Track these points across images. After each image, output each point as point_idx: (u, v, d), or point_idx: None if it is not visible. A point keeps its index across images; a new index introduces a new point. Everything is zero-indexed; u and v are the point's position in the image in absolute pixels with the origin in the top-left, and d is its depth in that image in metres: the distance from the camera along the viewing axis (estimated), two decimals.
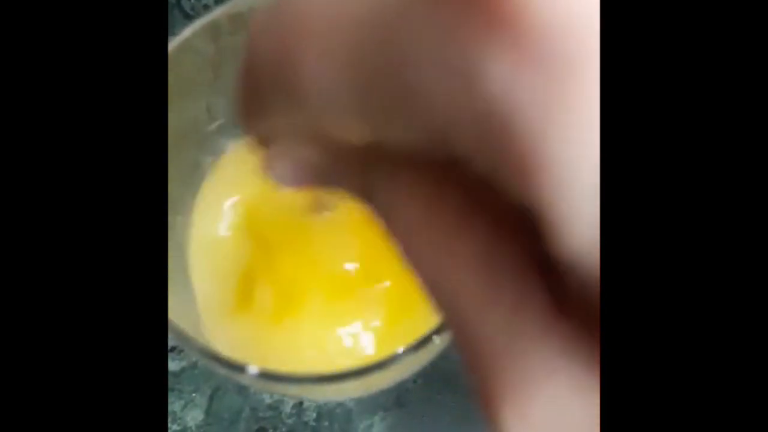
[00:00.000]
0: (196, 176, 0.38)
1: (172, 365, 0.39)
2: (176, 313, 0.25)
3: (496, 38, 0.08)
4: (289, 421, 0.38)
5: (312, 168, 0.12)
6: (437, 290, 0.11)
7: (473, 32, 0.08)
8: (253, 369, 0.21)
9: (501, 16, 0.08)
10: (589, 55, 0.08)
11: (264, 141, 0.13)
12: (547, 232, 0.09)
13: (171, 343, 0.37)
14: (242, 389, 0.39)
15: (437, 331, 0.24)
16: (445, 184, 0.11)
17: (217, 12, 0.34)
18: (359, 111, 0.10)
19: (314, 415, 0.38)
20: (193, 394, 0.39)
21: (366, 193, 0.12)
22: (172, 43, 0.33)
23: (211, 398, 0.39)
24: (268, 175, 0.13)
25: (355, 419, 0.38)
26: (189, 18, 0.41)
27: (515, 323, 0.10)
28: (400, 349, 0.25)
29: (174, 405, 0.39)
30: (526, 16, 0.08)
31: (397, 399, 0.38)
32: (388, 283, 0.33)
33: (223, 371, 0.23)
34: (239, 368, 0.22)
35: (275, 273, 0.34)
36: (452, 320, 0.11)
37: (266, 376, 0.21)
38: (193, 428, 0.39)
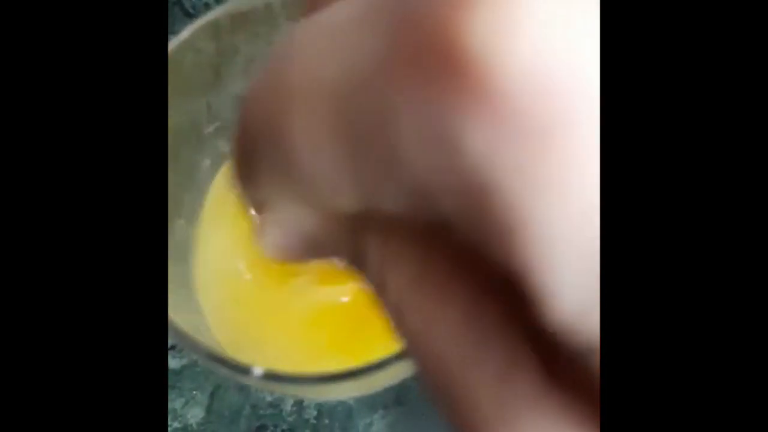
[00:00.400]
0: (195, 178, 0.38)
1: (173, 363, 0.40)
2: (177, 315, 0.25)
3: (474, 107, 0.08)
4: (290, 419, 0.39)
5: (303, 237, 0.12)
6: (425, 358, 0.11)
7: (451, 101, 0.08)
8: (257, 370, 0.21)
9: (479, 85, 0.08)
10: (569, 121, 0.08)
11: (258, 207, 0.13)
12: (534, 300, 0.09)
13: (171, 341, 0.37)
14: (243, 387, 0.39)
15: None
16: (432, 250, 0.11)
17: (218, 11, 0.34)
18: (346, 178, 0.10)
19: (315, 413, 0.39)
20: (194, 392, 0.39)
21: (357, 261, 0.12)
22: (172, 43, 0.33)
23: (212, 396, 0.39)
24: (259, 243, 0.13)
25: (356, 417, 0.38)
26: (189, 16, 0.41)
27: (504, 389, 0.10)
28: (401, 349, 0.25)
29: (175, 403, 0.39)
30: (504, 84, 0.08)
31: (397, 397, 0.38)
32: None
33: (226, 372, 0.23)
34: (243, 369, 0.22)
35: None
36: (441, 390, 0.11)
37: (270, 376, 0.22)
38: (194, 426, 0.39)
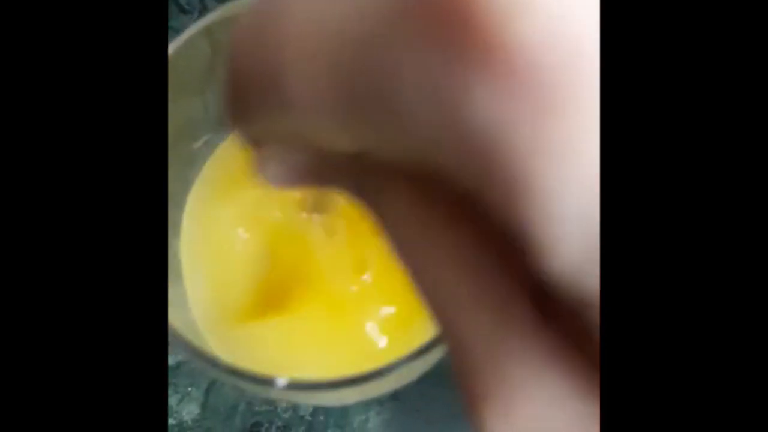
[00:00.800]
0: (185, 193, 0.37)
1: (169, 359, 0.40)
2: (179, 325, 0.25)
3: (483, 65, 0.08)
4: (285, 416, 0.39)
5: (302, 168, 0.13)
6: (425, 286, 0.11)
7: (460, 58, 0.08)
8: (281, 381, 0.22)
9: (489, 44, 0.08)
10: (575, 83, 0.08)
11: (254, 142, 0.13)
12: (533, 251, 0.09)
13: (181, 356, 0.37)
14: None
15: None
16: (429, 196, 0.11)
17: (213, 16, 0.34)
18: (342, 120, 0.10)
19: (310, 409, 0.39)
20: (189, 389, 0.40)
21: (357, 191, 0.12)
22: (170, 47, 0.33)
23: (207, 392, 0.40)
24: (259, 176, 0.13)
25: (351, 414, 0.39)
26: (184, 12, 0.41)
27: (500, 325, 0.10)
28: (424, 343, 0.25)
29: (170, 399, 0.39)
30: (514, 44, 0.08)
31: (392, 393, 0.39)
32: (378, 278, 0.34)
33: (247, 387, 0.23)
34: (267, 381, 0.22)
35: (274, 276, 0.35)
36: (439, 318, 0.11)
37: (294, 386, 0.22)
38: (189, 422, 0.39)
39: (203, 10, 0.41)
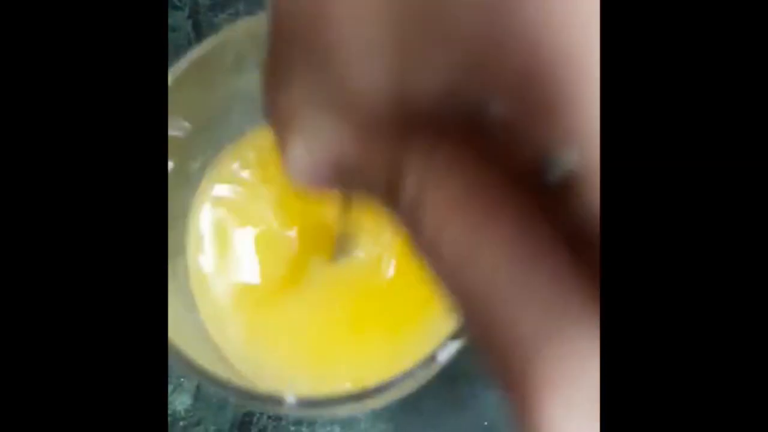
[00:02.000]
0: (181, 210, 0.37)
1: None
2: (192, 349, 0.26)
3: None
4: None
5: (334, 162, 0.12)
6: (466, 284, 0.10)
7: None
8: (291, 397, 0.22)
9: None
10: None
11: (287, 122, 0.12)
12: (576, 187, 0.09)
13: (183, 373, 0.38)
14: None
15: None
16: (482, 156, 0.10)
17: (207, 44, 0.33)
18: (388, 62, 0.10)
19: None
20: (182, 379, 0.41)
21: (391, 188, 0.11)
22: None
23: (200, 383, 0.40)
24: (286, 170, 0.12)
25: None
26: (176, 8, 0.41)
27: (556, 306, 0.10)
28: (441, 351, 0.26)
29: None
30: None
31: None
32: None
33: (257, 406, 0.23)
34: (276, 400, 0.23)
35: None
36: (485, 313, 0.10)
37: (304, 403, 0.23)
38: (182, 413, 0.40)
39: (194, 6, 0.42)
